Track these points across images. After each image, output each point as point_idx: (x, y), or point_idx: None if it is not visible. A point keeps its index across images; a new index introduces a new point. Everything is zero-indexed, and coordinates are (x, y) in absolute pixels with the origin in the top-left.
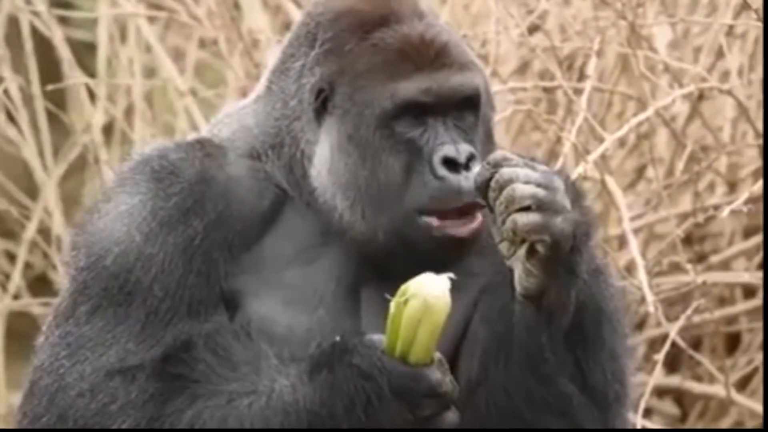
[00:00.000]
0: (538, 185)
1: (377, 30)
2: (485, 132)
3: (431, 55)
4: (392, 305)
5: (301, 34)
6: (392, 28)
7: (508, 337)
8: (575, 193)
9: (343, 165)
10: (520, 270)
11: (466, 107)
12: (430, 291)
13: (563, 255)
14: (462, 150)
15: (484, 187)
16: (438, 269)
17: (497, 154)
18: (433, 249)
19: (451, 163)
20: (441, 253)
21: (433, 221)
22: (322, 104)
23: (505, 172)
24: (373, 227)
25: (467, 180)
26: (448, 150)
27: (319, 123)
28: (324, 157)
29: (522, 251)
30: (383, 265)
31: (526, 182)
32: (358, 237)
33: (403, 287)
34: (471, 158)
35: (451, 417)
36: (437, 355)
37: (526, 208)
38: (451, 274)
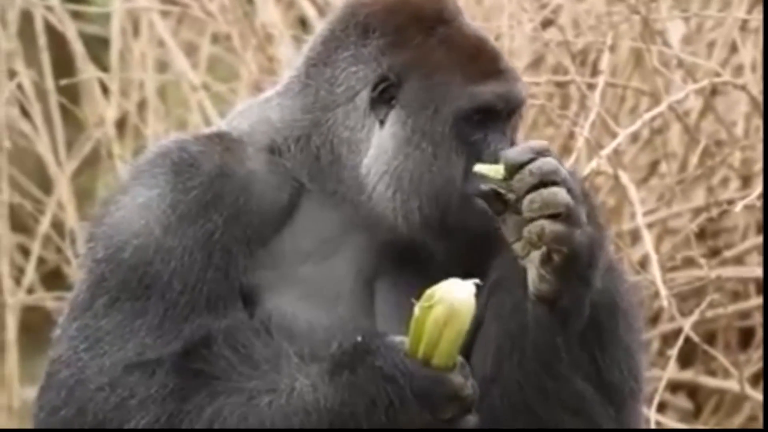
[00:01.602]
0: (569, 190)
1: (439, 26)
2: (516, 133)
3: (492, 59)
4: (417, 308)
5: (349, 25)
6: (451, 26)
7: (522, 335)
8: (590, 204)
9: (406, 157)
10: (534, 274)
11: (517, 113)
12: (456, 296)
13: (580, 267)
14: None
15: (515, 168)
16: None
17: (539, 143)
18: (484, 233)
19: None
20: (487, 236)
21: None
22: (381, 94)
23: (550, 162)
24: (428, 218)
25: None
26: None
27: (375, 113)
28: (381, 148)
29: (537, 255)
30: (395, 260)
31: (564, 186)
32: (406, 228)
33: (428, 292)
34: None
35: (472, 420)
36: (459, 359)
37: (556, 215)
38: (477, 280)
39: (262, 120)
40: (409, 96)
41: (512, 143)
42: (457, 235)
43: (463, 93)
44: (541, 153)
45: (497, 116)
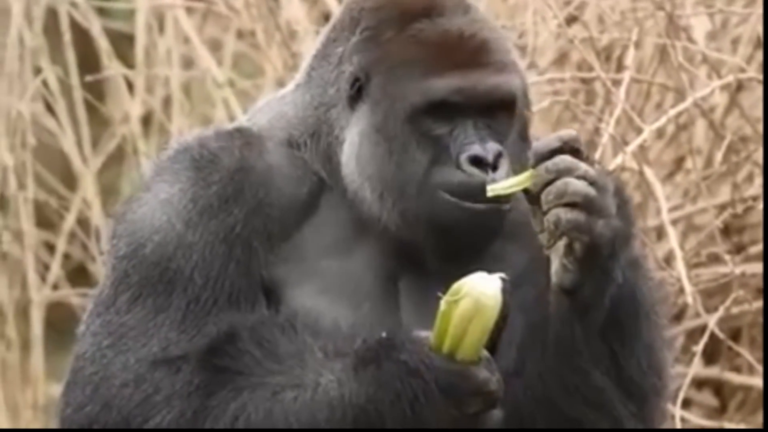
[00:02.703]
0: (592, 183)
1: (418, 21)
2: (520, 131)
3: (468, 52)
4: (442, 303)
5: (345, 20)
6: (433, 21)
7: (543, 327)
8: (621, 198)
9: (370, 155)
10: (557, 264)
11: (500, 108)
12: (482, 290)
13: (601, 258)
14: (489, 149)
15: (538, 160)
16: (470, 254)
17: (567, 133)
18: (459, 226)
19: (477, 162)
20: (468, 231)
21: (458, 201)
22: (357, 92)
23: (566, 159)
24: (401, 215)
25: (493, 180)
26: (476, 149)
27: (353, 111)
28: (353, 146)
29: (560, 246)
30: (417, 256)
31: (582, 178)
32: (388, 226)
33: (455, 286)
34: (499, 156)
35: (497, 415)
36: (485, 353)
37: (573, 205)
38: (503, 274)
39: (279, 115)
40: (374, 93)
41: (508, 138)
42: (432, 231)
43: (417, 88)
44: (568, 143)
45: (466, 110)
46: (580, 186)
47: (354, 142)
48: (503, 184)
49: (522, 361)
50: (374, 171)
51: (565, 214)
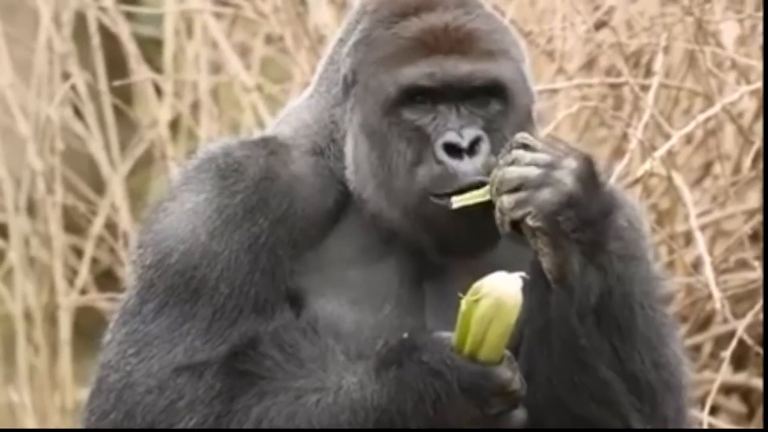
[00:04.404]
0: (536, 165)
1: (405, 19)
2: (519, 121)
3: (449, 42)
4: (463, 303)
5: (350, 23)
6: (421, 18)
7: (547, 328)
8: (591, 175)
9: (362, 154)
10: (537, 251)
11: (486, 95)
12: (503, 290)
13: (562, 223)
14: (466, 134)
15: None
16: (469, 250)
17: (517, 137)
18: (451, 229)
19: (452, 149)
20: (461, 232)
21: (445, 202)
22: (348, 93)
23: (510, 156)
24: (396, 214)
25: (468, 164)
26: (450, 136)
27: (350, 113)
28: (350, 148)
29: (523, 232)
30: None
31: (527, 164)
32: (389, 226)
33: (475, 286)
34: (476, 142)
35: (520, 415)
36: (506, 353)
37: (515, 190)
38: (523, 273)
39: (301, 123)
40: (359, 92)
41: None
42: (422, 228)
43: (391, 78)
44: (513, 143)
45: (446, 98)
46: (516, 171)
47: (351, 143)
48: (466, 195)
49: (530, 364)
50: (366, 170)
51: (506, 198)
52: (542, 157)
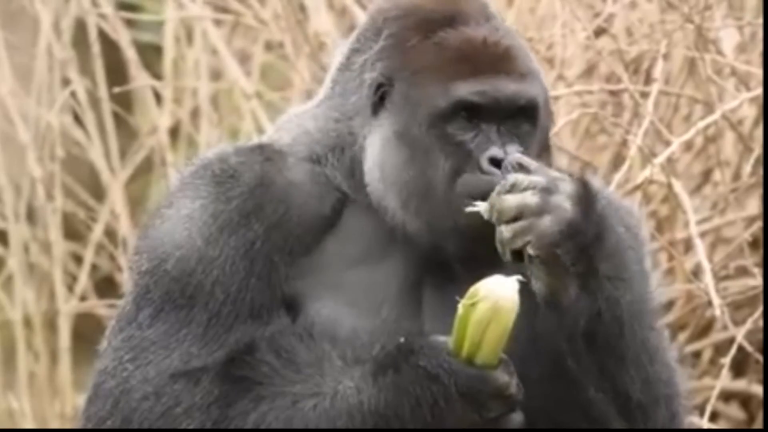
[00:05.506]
0: (534, 193)
1: (441, 29)
2: (541, 141)
3: (491, 59)
4: (460, 307)
5: (368, 29)
6: (456, 29)
7: (535, 343)
8: (587, 199)
9: (393, 162)
10: (532, 275)
11: (522, 116)
12: (500, 293)
13: (562, 254)
14: (510, 151)
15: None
16: (491, 264)
17: (513, 157)
18: (483, 233)
19: (497, 163)
20: (491, 238)
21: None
22: (380, 99)
23: (511, 177)
24: (426, 223)
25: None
26: (495, 151)
27: (376, 119)
28: (376, 154)
29: (523, 258)
30: (443, 264)
31: (525, 189)
32: (412, 234)
33: (472, 289)
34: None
35: (517, 418)
36: (503, 357)
37: (513, 219)
38: (520, 277)
39: (301, 131)
40: (396, 99)
41: (531, 147)
42: (458, 239)
43: (440, 92)
44: (507, 165)
45: (488, 116)
46: (513, 200)
47: (377, 149)
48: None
49: (525, 371)
50: (397, 178)
51: (506, 228)
52: (539, 180)
